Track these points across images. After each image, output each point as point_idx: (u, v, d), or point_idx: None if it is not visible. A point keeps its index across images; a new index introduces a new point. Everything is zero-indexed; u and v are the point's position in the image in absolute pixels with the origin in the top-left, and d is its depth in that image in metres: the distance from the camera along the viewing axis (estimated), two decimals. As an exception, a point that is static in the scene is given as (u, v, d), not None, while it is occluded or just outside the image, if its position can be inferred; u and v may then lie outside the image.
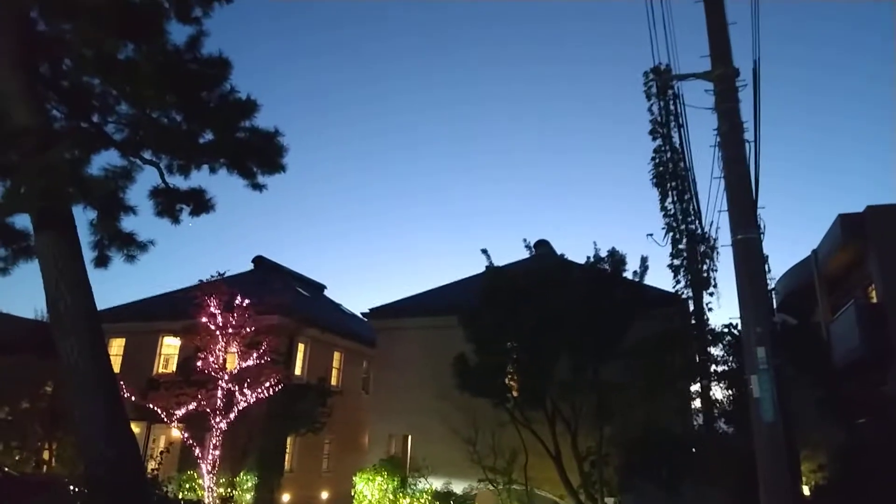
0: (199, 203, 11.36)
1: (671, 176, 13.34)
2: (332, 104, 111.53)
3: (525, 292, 13.92)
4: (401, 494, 15.39)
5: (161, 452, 9.91)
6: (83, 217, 9.69)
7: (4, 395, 20.50)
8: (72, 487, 8.15)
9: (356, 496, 15.86)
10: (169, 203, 11.22)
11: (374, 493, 15.53)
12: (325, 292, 29.73)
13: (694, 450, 12.08)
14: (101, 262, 10.02)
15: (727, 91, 7.47)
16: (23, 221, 9.69)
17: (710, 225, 14.42)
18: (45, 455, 19.78)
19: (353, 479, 16.22)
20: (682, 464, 11.54)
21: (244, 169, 11.34)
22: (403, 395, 17.33)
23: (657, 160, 13.56)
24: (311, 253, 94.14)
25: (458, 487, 15.33)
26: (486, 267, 14.97)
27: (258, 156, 11.17)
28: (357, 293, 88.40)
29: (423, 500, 14.99)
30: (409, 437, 17.27)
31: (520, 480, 14.37)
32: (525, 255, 16.10)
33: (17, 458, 19.16)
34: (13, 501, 11.37)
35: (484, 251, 14.89)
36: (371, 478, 15.75)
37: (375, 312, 19.45)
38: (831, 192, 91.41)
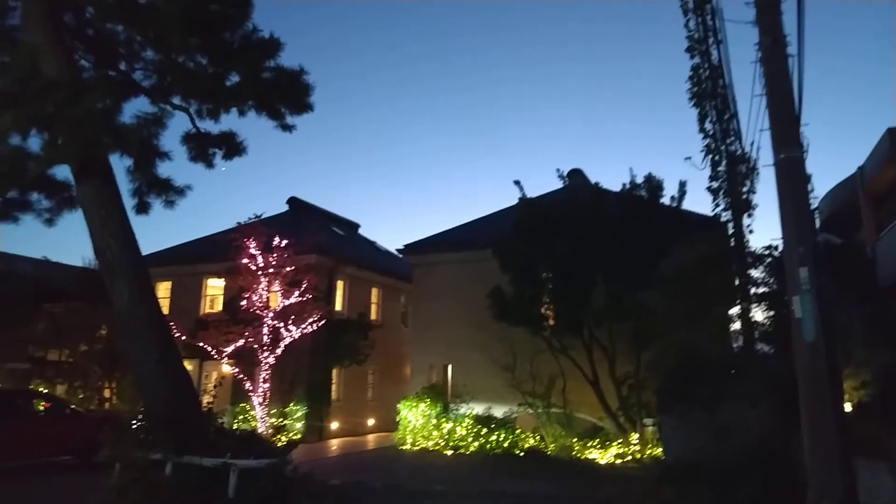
0: (231, 146, 11.41)
1: (710, 95, 12.81)
2: (360, 40, 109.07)
3: (559, 222, 13.84)
4: (443, 419, 15.98)
5: (214, 386, 10.39)
6: (120, 165, 9.88)
7: (64, 339, 21.70)
8: (133, 422, 8.65)
9: (401, 422, 16.55)
10: (201, 148, 11.30)
11: (418, 419, 16.17)
12: (360, 231, 30.03)
13: (733, 371, 12.13)
14: (142, 208, 10.24)
15: (769, 2, 7.03)
16: (63, 172, 9.93)
17: (751, 145, 13.85)
18: (106, 393, 21.05)
19: (398, 406, 16.88)
20: (721, 385, 11.62)
21: (272, 110, 11.28)
22: (442, 327, 17.69)
23: (695, 79, 13.00)
24: (344, 191, 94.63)
25: (499, 412, 15.83)
26: (520, 198, 14.85)
27: (285, 96, 11.07)
28: (390, 230, 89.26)
29: (464, 424, 15.55)
30: (449, 367, 17.75)
31: (558, 404, 14.75)
32: (559, 185, 15.90)
33: (80, 396, 20.44)
34: (81, 436, 12.20)
35: (517, 183, 14.76)
36: (414, 404, 16.36)
37: (410, 248, 19.64)
38: (878, 108, 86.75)
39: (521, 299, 13.72)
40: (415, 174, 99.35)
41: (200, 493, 7.41)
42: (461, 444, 15.33)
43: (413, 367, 18.61)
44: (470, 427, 15.43)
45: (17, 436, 11.89)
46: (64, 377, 21.90)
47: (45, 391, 17.96)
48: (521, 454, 14.62)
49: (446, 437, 15.65)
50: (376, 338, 20.84)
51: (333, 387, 20.54)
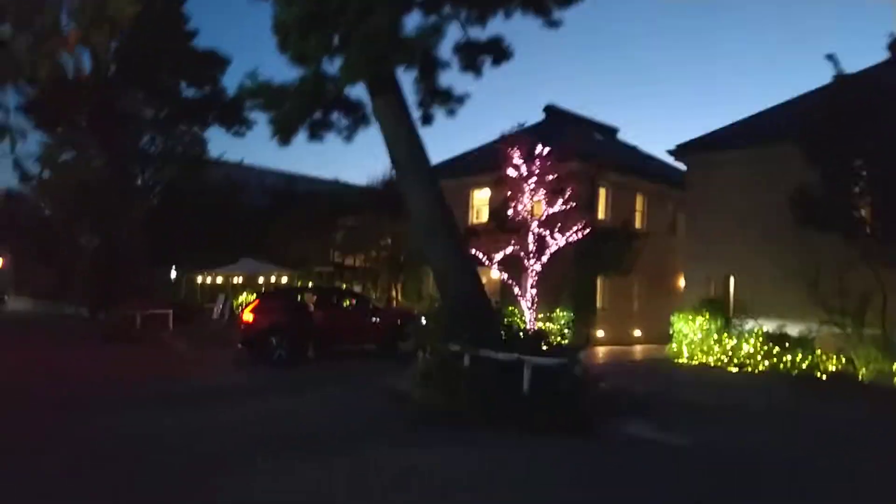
0: (498, 52, 11.35)
1: None
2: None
3: (888, 102, 11.19)
4: (725, 335, 14.74)
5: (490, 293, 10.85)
6: (406, 80, 10.38)
7: (359, 248, 24.97)
8: (430, 317, 9.41)
9: (675, 335, 15.70)
10: (470, 56, 11.41)
11: (696, 333, 15.16)
12: (618, 135, 28.49)
13: None
14: (426, 120, 10.73)
15: None
16: (356, 93, 10.78)
17: None
18: (392, 293, 23.89)
19: (671, 318, 16.02)
20: None
21: (539, 6, 10.85)
22: (722, 235, 16.10)
23: None
24: (600, 94, 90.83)
25: (793, 330, 14.00)
26: (835, 76, 12.29)
27: (553, -13, 10.52)
28: (652, 133, 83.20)
29: (752, 341, 14.14)
30: (731, 279, 16.18)
31: (874, 324, 12.50)
32: (881, 57, 12.84)
33: (373, 295, 23.50)
34: (383, 328, 14.19)
35: (829, 57, 12.20)
36: (691, 318, 15.34)
37: (684, 148, 17.90)
38: None
39: (834, 199, 11.59)
40: (678, 67, 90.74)
41: (496, 386, 7.79)
42: (748, 361, 14.00)
43: (687, 279, 17.41)
44: (759, 345, 13.98)
45: (340, 325, 14.03)
46: (359, 279, 25.40)
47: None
48: (824, 377, 12.84)
49: (729, 353, 14.42)
50: (642, 247, 19.91)
51: (598, 295, 20.34)
